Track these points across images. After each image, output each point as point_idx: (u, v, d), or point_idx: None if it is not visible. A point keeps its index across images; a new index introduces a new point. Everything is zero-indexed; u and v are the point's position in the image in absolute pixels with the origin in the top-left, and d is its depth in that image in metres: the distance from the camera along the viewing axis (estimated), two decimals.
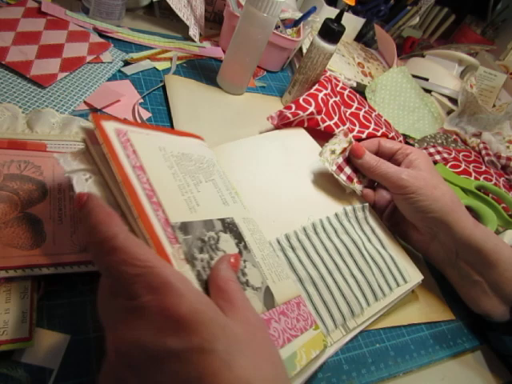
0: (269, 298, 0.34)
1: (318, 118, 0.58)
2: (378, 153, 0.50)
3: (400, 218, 0.50)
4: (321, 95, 0.59)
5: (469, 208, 0.58)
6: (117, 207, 0.31)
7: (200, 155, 0.40)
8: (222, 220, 0.35)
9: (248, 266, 0.34)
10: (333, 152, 0.48)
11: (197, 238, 0.32)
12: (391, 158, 0.49)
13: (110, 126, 0.33)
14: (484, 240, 0.45)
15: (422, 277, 0.47)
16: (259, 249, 0.37)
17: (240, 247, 0.35)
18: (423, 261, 0.53)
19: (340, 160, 0.48)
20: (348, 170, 0.48)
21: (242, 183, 0.45)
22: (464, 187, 0.63)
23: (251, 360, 0.23)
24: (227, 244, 0.34)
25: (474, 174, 0.68)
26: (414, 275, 0.46)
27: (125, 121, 0.36)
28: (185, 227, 0.31)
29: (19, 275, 0.31)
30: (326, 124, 0.59)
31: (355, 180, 0.49)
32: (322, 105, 0.59)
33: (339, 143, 0.48)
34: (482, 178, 0.68)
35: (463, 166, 0.69)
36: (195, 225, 0.32)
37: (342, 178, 0.48)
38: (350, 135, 0.49)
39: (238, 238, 0.36)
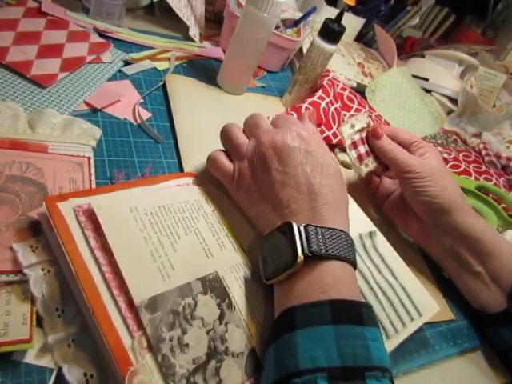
0: (252, 362, 0.33)
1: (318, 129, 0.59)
2: (394, 141, 0.51)
3: (402, 208, 0.51)
4: (323, 104, 0.60)
5: None
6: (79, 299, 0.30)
7: (182, 201, 0.38)
8: (203, 279, 0.34)
9: (230, 328, 0.33)
10: (352, 126, 0.50)
11: (168, 311, 0.31)
12: (405, 148, 0.50)
13: (66, 207, 0.32)
14: (483, 231, 0.47)
15: (438, 308, 0.44)
16: (248, 300, 0.35)
17: (223, 307, 0.34)
18: (423, 260, 0.53)
19: (356, 137, 0.50)
20: (361, 149, 0.50)
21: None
22: (464, 187, 0.63)
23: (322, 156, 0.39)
24: (206, 308, 0.33)
25: (474, 174, 0.68)
26: (428, 306, 0.43)
27: (89, 191, 0.35)
28: (154, 303, 0.30)
29: (20, 279, 0.31)
30: (324, 135, 0.60)
31: (364, 161, 0.50)
32: (322, 116, 0.60)
33: (360, 121, 0.50)
34: (482, 178, 0.68)
35: (463, 167, 0.69)
36: (167, 295, 0.31)
37: (353, 154, 0.49)
38: (370, 119, 0.51)
39: (222, 295, 0.34)
